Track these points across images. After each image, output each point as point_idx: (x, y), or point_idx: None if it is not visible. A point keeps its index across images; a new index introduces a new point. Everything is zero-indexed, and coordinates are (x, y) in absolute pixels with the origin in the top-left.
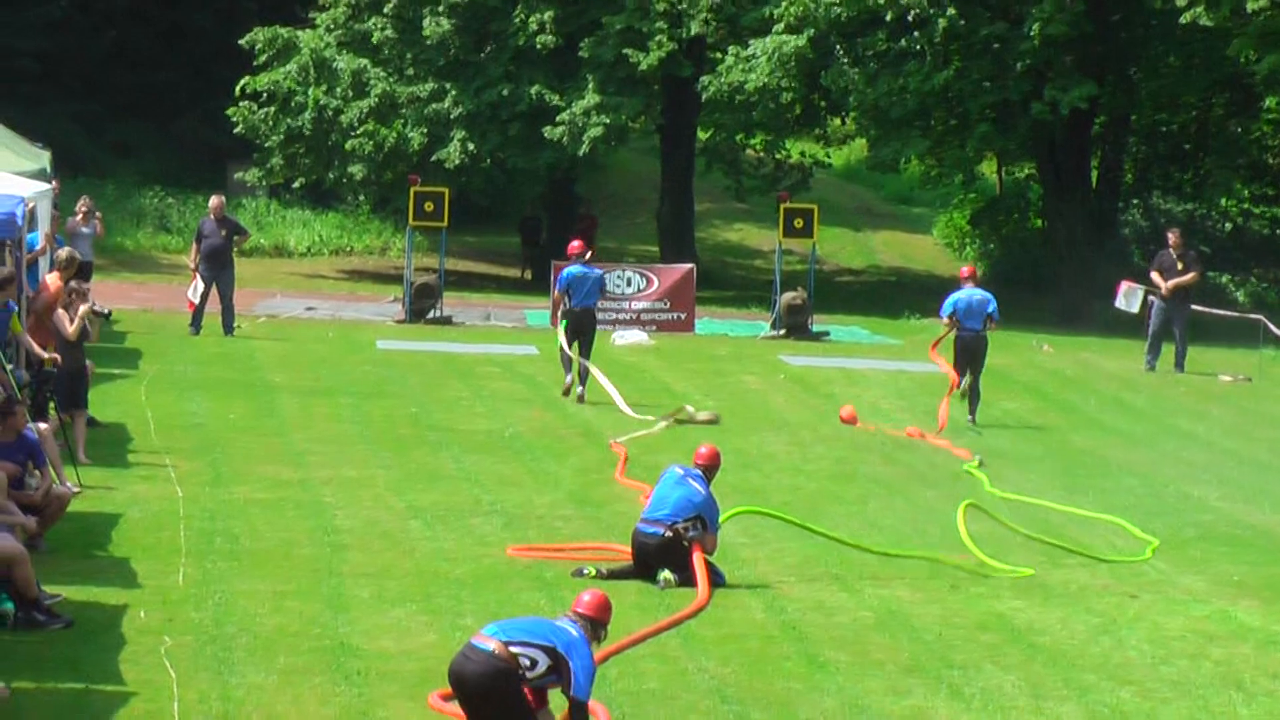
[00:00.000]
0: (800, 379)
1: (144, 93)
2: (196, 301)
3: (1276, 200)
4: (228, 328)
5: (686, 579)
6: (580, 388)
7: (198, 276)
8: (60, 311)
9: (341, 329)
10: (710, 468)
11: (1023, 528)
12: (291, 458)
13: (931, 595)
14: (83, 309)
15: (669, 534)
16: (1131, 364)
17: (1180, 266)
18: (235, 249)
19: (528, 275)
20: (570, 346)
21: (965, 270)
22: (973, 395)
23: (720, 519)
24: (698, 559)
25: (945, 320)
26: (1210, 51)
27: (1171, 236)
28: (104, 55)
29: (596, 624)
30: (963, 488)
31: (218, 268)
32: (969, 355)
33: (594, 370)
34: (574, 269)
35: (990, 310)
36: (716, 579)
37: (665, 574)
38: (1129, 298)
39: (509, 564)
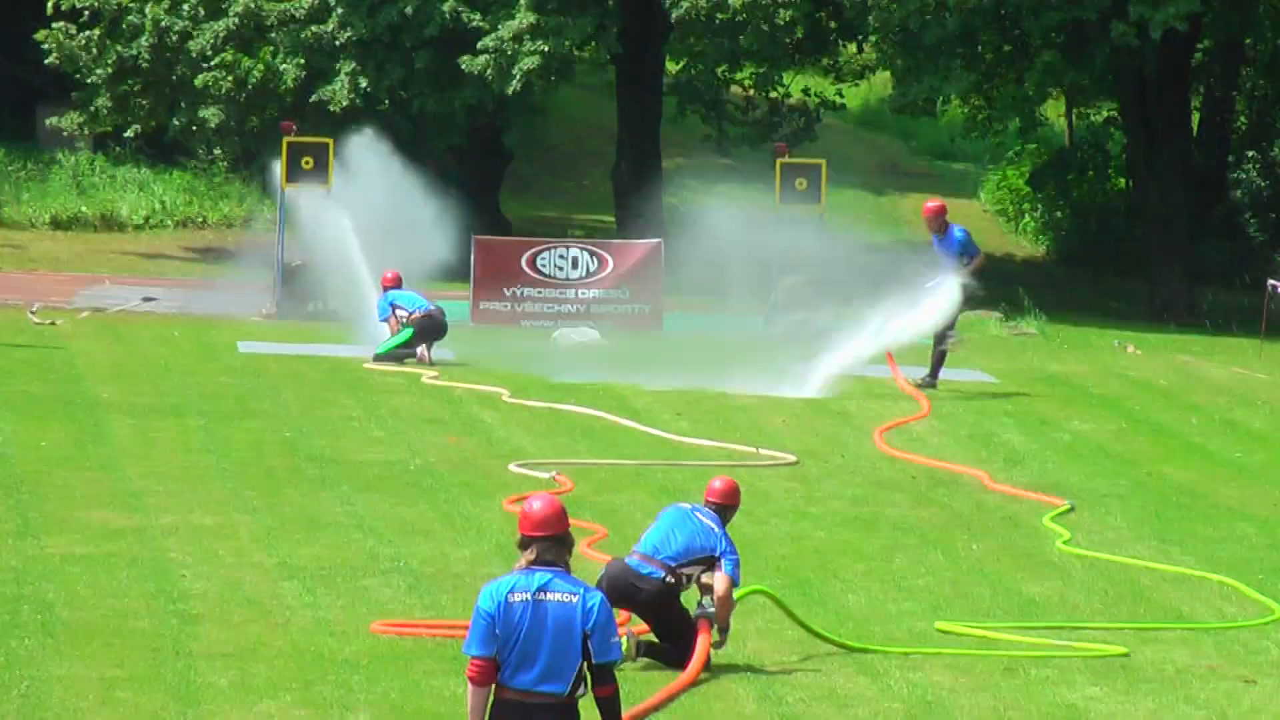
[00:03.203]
0: None
1: None
2: None
3: None
4: None
5: (660, 650)
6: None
7: None
8: None
9: (191, 327)
10: (726, 507)
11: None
12: (125, 500)
13: (980, 681)
14: None
15: (670, 579)
16: (1247, 371)
17: None
18: None
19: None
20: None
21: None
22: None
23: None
24: (702, 642)
25: None
26: None
27: None
28: None
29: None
30: (1021, 537)
31: None
32: None
33: None
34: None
35: None
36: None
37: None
38: None
39: (415, 640)
